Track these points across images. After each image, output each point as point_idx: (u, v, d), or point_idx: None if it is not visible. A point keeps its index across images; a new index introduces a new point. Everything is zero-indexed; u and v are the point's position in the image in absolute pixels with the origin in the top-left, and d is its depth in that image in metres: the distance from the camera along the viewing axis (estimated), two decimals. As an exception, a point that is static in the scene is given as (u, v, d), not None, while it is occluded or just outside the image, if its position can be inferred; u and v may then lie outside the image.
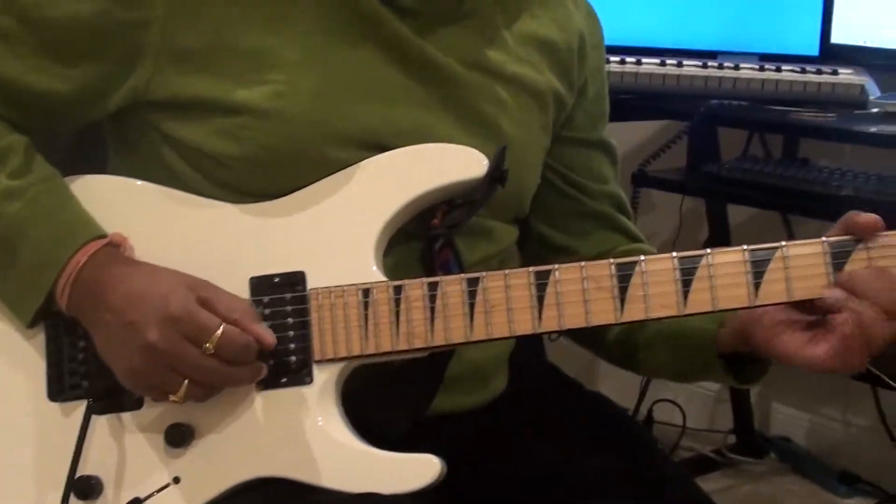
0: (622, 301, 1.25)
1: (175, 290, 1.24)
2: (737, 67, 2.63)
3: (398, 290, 1.27)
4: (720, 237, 3.01)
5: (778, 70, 2.61)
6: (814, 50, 2.71)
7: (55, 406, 1.32)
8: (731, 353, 1.37)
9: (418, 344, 1.27)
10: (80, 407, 1.30)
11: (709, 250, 1.26)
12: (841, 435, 3.17)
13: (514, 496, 1.43)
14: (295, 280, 1.29)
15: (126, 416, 1.31)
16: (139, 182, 1.35)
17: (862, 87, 2.54)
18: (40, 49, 1.30)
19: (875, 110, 2.49)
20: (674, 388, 3.31)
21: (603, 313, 1.26)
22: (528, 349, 1.55)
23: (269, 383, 1.28)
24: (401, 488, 1.25)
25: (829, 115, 2.49)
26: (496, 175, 1.33)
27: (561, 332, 1.33)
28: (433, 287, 1.27)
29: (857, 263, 1.24)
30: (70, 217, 1.31)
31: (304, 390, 1.28)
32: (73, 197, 1.32)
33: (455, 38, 1.38)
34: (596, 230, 1.55)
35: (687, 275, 1.25)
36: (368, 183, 1.31)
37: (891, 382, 2.55)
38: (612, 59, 2.55)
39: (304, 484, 1.27)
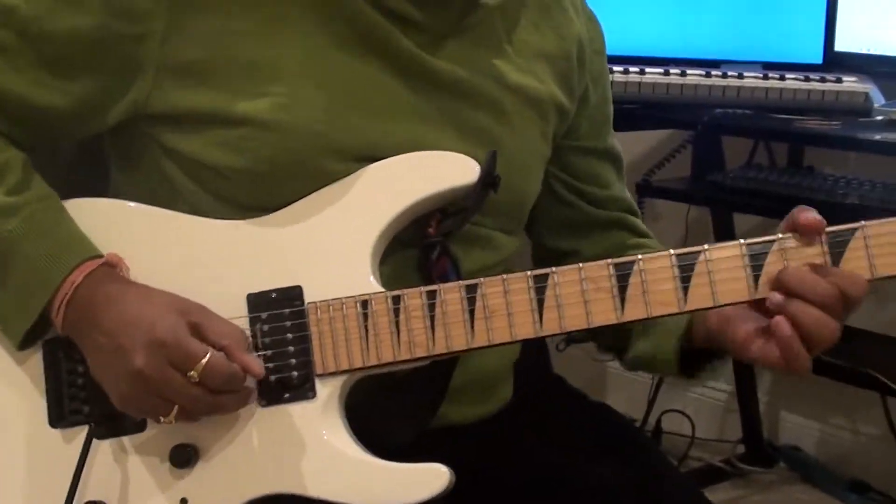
0: (622, 300, 1.26)
1: (165, 314, 1.23)
2: (741, 76, 2.63)
3: (397, 299, 1.27)
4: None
5: (782, 78, 2.61)
6: (818, 58, 2.70)
7: (56, 432, 1.31)
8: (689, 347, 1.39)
9: (420, 353, 1.27)
10: (82, 432, 1.30)
11: (706, 246, 1.26)
12: (850, 444, 3.16)
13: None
14: (292, 295, 1.29)
15: (129, 440, 1.30)
16: (131, 203, 1.35)
17: (866, 94, 2.54)
18: (39, 63, 1.30)
19: (879, 118, 2.49)
20: (682, 399, 3.31)
21: (604, 313, 1.26)
22: (533, 359, 1.55)
23: (273, 399, 1.28)
24: (410, 499, 1.25)
25: (834, 123, 2.49)
26: (488, 180, 1.33)
27: (568, 340, 1.33)
28: (432, 295, 1.27)
29: (854, 251, 1.24)
30: (66, 236, 1.30)
31: (308, 405, 1.28)
32: (69, 217, 1.32)
33: (457, 51, 1.37)
34: (601, 233, 1.56)
35: (685, 271, 1.25)
36: (361, 193, 1.31)
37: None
38: (616, 68, 2.56)
39: (313, 499, 1.26)
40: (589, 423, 1.55)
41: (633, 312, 1.26)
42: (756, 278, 1.25)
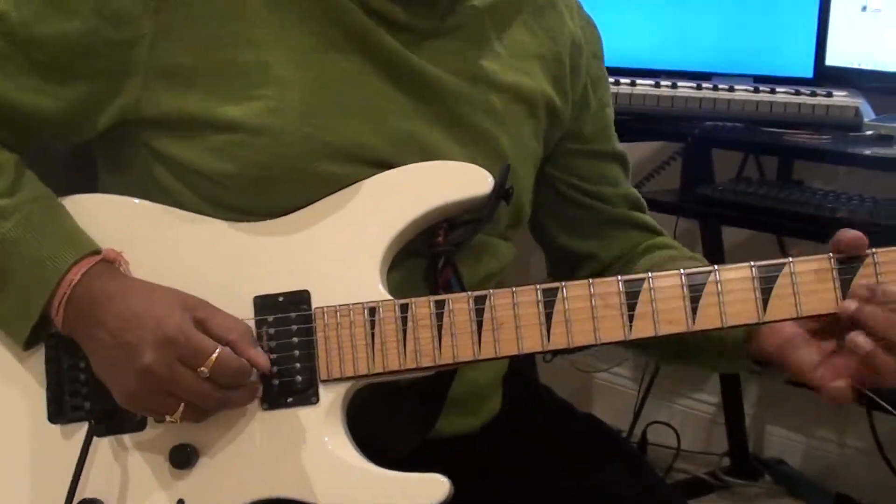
0: (631, 318, 1.26)
1: (171, 311, 1.23)
2: (731, 89, 2.63)
3: (405, 308, 1.27)
4: (715, 259, 2.96)
5: (772, 92, 2.62)
6: (808, 72, 2.71)
7: (56, 428, 1.31)
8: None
9: (426, 362, 1.26)
10: (82, 429, 1.29)
11: (716, 266, 1.26)
12: (836, 457, 3.16)
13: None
14: (300, 299, 1.29)
15: (128, 438, 1.30)
16: (137, 200, 1.34)
17: (856, 109, 2.54)
18: (29, 68, 1.30)
19: (869, 132, 2.49)
20: (668, 411, 3.31)
21: (612, 330, 1.26)
22: (520, 371, 1.55)
23: (275, 403, 1.27)
24: None
25: (824, 137, 2.50)
26: (501, 193, 1.33)
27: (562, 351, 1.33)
28: (440, 305, 1.27)
29: (864, 278, 1.25)
30: (63, 234, 1.29)
31: (311, 410, 1.27)
32: (66, 214, 1.32)
33: (446, 51, 1.38)
34: (616, 232, 1.56)
35: (695, 291, 1.26)
36: (373, 200, 1.31)
37: (886, 405, 2.54)
38: None
39: None
40: (577, 435, 1.55)
41: (641, 330, 1.26)
42: (765, 301, 1.25)
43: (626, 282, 1.26)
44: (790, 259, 1.26)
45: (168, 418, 1.23)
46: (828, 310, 1.25)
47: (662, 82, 2.66)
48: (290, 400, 1.27)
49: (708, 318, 1.26)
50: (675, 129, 2.67)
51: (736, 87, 2.64)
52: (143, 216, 1.33)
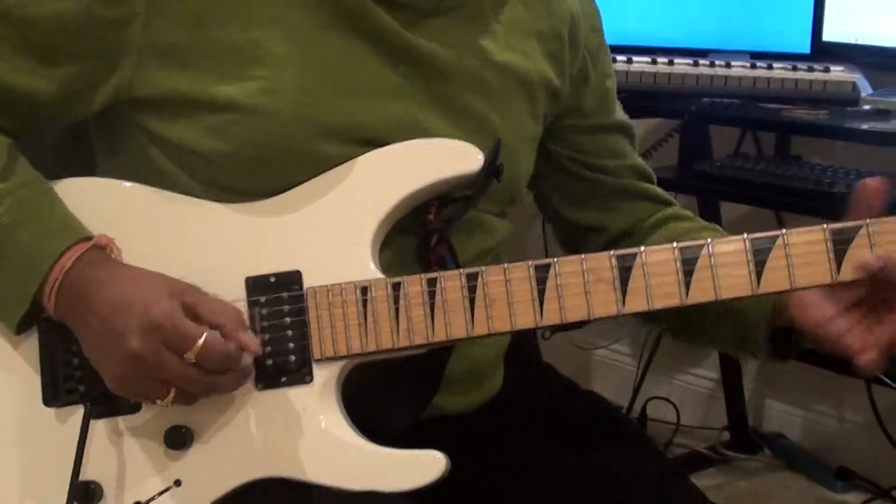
0: (623, 293, 1.26)
1: (158, 296, 1.23)
2: (728, 65, 2.63)
3: (396, 286, 1.27)
4: (713, 235, 3.01)
5: (769, 68, 2.62)
6: (805, 48, 2.71)
7: (50, 411, 1.31)
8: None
9: (419, 340, 1.27)
10: (76, 412, 1.30)
11: (709, 240, 1.26)
12: (835, 431, 3.17)
13: (511, 496, 1.44)
14: (291, 279, 1.29)
15: (123, 420, 1.30)
16: (128, 183, 1.34)
17: (853, 84, 2.54)
18: (23, 48, 1.30)
19: (867, 107, 2.49)
20: (668, 386, 3.32)
21: (605, 305, 1.26)
22: (522, 348, 1.55)
23: (270, 383, 1.28)
24: (405, 485, 1.25)
25: (821, 112, 2.50)
26: (492, 169, 1.33)
27: (555, 328, 1.33)
28: (432, 283, 1.27)
29: (858, 249, 1.24)
30: (54, 220, 1.30)
31: (305, 389, 1.28)
32: (58, 199, 1.32)
33: (443, 30, 1.37)
34: (623, 204, 1.56)
35: (688, 265, 1.25)
36: (363, 179, 1.31)
37: (885, 378, 2.56)
38: None
39: (307, 483, 1.27)
40: (578, 412, 1.55)
41: (634, 305, 1.26)
42: (759, 273, 1.25)
43: (618, 256, 1.26)
44: (784, 231, 1.25)
45: (159, 402, 1.23)
46: (823, 281, 1.25)
47: (659, 59, 2.65)
48: (284, 380, 1.28)
49: (701, 292, 1.25)
50: (672, 106, 2.67)
51: (733, 63, 2.64)
52: (134, 199, 1.33)
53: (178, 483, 1.28)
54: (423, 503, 1.27)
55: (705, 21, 2.82)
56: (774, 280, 1.25)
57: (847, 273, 1.25)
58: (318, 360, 1.28)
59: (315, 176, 1.31)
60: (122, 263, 1.29)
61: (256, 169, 1.31)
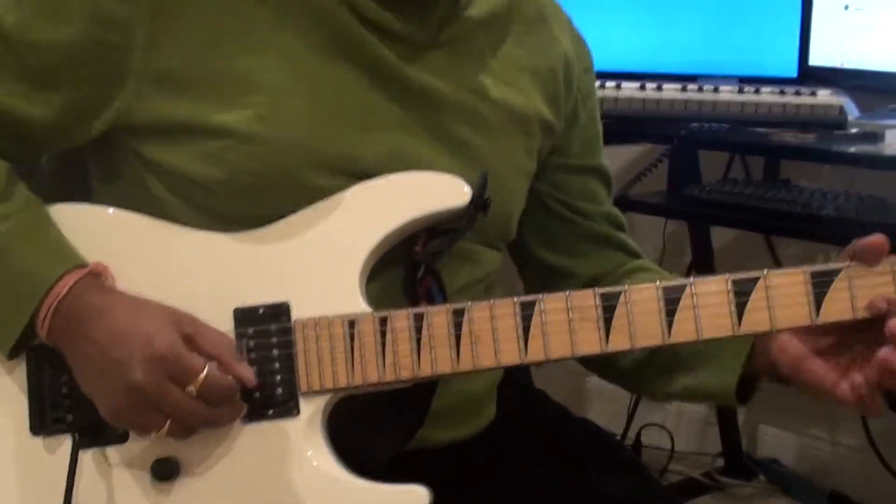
0: (607, 331, 1.27)
1: (160, 328, 1.23)
2: (716, 90, 2.65)
3: (384, 321, 1.27)
4: (704, 260, 3.02)
5: (757, 92, 2.63)
6: (792, 71, 2.72)
7: (38, 440, 1.30)
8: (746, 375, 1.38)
9: (405, 375, 1.27)
10: (64, 441, 1.29)
11: (692, 279, 1.27)
12: (829, 455, 3.17)
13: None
14: (279, 311, 1.29)
15: (111, 450, 1.30)
16: (120, 211, 1.34)
17: (840, 107, 2.56)
18: (22, 74, 1.30)
19: (854, 130, 2.50)
20: (662, 412, 3.32)
21: (588, 343, 1.27)
22: (515, 377, 1.55)
23: (256, 416, 1.28)
24: None
25: (809, 135, 2.51)
26: (479, 203, 1.33)
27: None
28: (419, 318, 1.27)
29: (838, 292, 1.25)
30: (51, 246, 1.30)
31: (291, 422, 1.28)
32: (53, 225, 1.31)
33: (440, 64, 1.38)
34: (596, 251, 1.56)
35: (671, 304, 1.26)
36: (352, 212, 1.31)
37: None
38: None
39: None
40: (573, 439, 1.55)
41: (618, 343, 1.27)
42: (740, 315, 1.26)
43: (602, 295, 1.27)
44: (765, 272, 1.26)
45: (153, 434, 1.23)
46: (802, 323, 1.26)
47: (648, 85, 2.67)
48: (270, 412, 1.28)
49: (683, 332, 1.26)
50: (661, 132, 2.68)
51: (721, 87, 2.66)
52: (125, 227, 1.33)
53: None
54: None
55: (693, 46, 2.83)
56: (756, 321, 1.26)
57: (826, 315, 1.26)
58: (304, 394, 1.28)
59: (306, 206, 1.31)
60: (118, 291, 1.29)
61: (251, 196, 1.31)
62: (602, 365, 1.53)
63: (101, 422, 1.27)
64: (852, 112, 2.56)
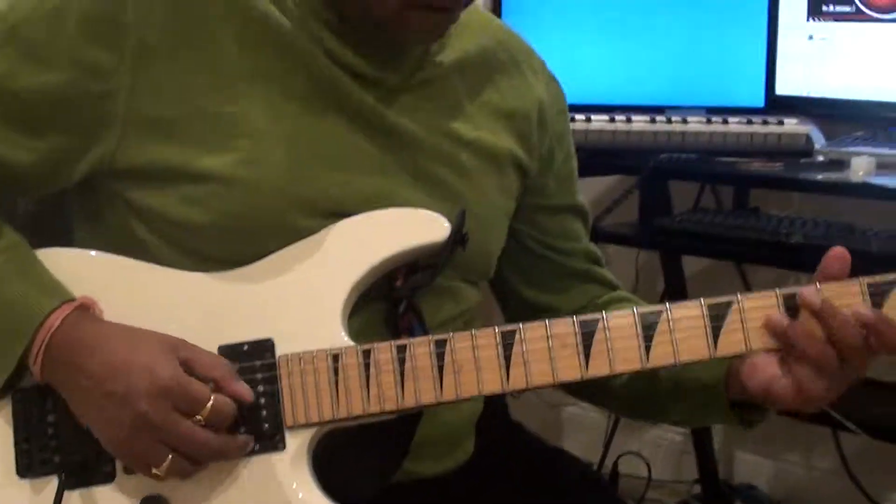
0: (587, 357, 1.28)
1: (159, 357, 1.24)
2: (685, 121, 2.66)
3: (367, 353, 1.28)
4: (676, 289, 3.02)
5: (725, 122, 2.65)
6: (759, 101, 2.75)
7: (25, 482, 1.31)
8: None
9: (389, 406, 1.28)
10: (51, 482, 1.29)
11: (667, 305, 1.29)
12: (804, 479, 3.18)
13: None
14: (264, 347, 1.30)
15: (98, 490, 1.30)
16: (102, 254, 1.35)
17: (807, 136, 2.58)
18: (6, 120, 1.31)
19: (820, 158, 2.52)
20: (638, 441, 3.32)
21: (569, 370, 1.29)
22: (493, 411, 1.56)
23: None
24: None
25: (777, 164, 2.53)
26: (458, 238, 1.35)
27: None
28: (402, 350, 1.28)
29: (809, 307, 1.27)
30: (40, 282, 1.30)
31: (277, 456, 1.28)
32: (41, 264, 1.32)
33: (415, 106, 1.40)
34: (576, 285, 1.58)
35: (648, 329, 1.28)
36: (333, 249, 1.33)
37: (850, 425, 2.58)
38: None
39: None
40: (549, 471, 1.57)
41: (597, 368, 1.29)
42: (716, 338, 1.28)
43: (581, 322, 1.29)
44: (738, 296, 1.29)
45: (154, 471, 1.23)
46: (774, 345, 1.29)
47: (617, 117, 2.68)
48: (256, 447, 1.28)
49: (661, 356, 1.29)
50: (631, 163, 2.69)
51: (689, 118, 2.67)
52: (107, 269, 1.34)
53: None
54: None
55: (661, 78, 2.85)
56: (731, 343, 1.29)
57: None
58: (290, 428, 1.29)
59: (287, 245, 1.33)
60: (110, 322, 1.30)
61: (234, 238, 1.32)
62: (592, 393, 1.55)
63: (88, 461, 1.28)
64: (819, 140, 2.58)
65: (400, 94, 1.40)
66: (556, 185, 1.57)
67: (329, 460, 1.31)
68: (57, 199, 1.45)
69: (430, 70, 1.42)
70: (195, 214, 1.32)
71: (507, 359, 1.28)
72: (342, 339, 1.30)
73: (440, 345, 1.29)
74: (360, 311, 1.34)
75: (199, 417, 1.22)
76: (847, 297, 1.27)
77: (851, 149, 2.47)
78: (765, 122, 2.62)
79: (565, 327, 1.29)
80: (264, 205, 1.32)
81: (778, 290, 1.29)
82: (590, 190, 3.09)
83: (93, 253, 1.36)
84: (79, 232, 1.44)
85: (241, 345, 1.30)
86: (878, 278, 1.28)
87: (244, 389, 1.27)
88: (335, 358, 1.29)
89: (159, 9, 1.30)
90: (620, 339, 1.28)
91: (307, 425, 1.29)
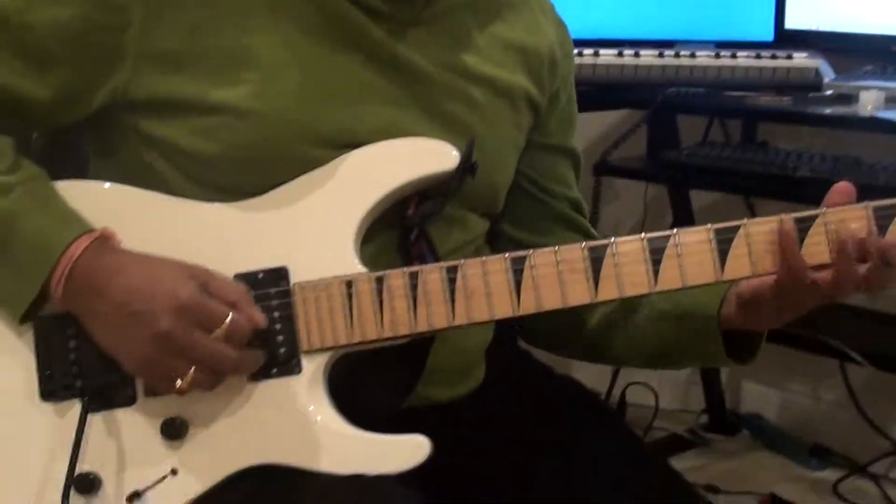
0: (596, 282, 1.31)
1: (178, 279, 1.27)
2: (693, 55, 2.67)
3: (380, 280, 1.31)
4: (684, 222, 2.97)
5: (734, 56, 2.65)
6: (769, 35, 2.75)
7: (48, 406, 1.34)
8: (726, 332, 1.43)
9: (403, 331, 1.31)
10: (74, 406, 1.33)
11: (675, 230, 1.31)
12: (811, 410, 3.21)
13: (492, 481, 1.48)
14: (279, 275, 1.32)
15: (120, 413, 1.33)
16: (117, 185, 1.37)
17: (816, 70, 2.59)
18: (21, 53, 1.33)
19: (829, 92, 2.53)
20: (646, 371, 3.34)
21: (578, 294, 1.31)
22: (502, 339, 1.58)
23: (260, 375, 1.31)
24: (391, 469, 1.29)
25: (785, 98, 2.54)
26: (467, 167, 1.37)
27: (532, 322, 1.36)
28: (414, 276, 1.31)
29: (816, 237, 1.29)
30: (60, 213, 1.33)
31: (294, 380, 1.31)
32: (59, 196, 1.35)
33: (427, 40, 1.42)
34: (559, 230, 1.60)
35: (656, 254, 1.30)
36: (345, 179, 1.35)
37: (857, 357, 2.60)
38: None
39: (297, 469, 1.30)
40: (555, 398, 1.59)
41: (607, 293, 1.31)
42: (723, 262, 1.30)
43: (590, 248, 1.31)
44: (745, 221, 1.30)
45: (179, 382, 1.26)
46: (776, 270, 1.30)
47: (625, 52, 2.69)
48: (274, 371, 1.31)
49: (669, 279, 1.31)
50: (639, 97, 2.70)
51: (698, 53, 2.68)
52: (123, 200, 1.37)
53: (174, 472, 1.31)
54: (408, 487, 1.31)
55: (670, 13, 2.86)
56: (737, 267, 1.31)
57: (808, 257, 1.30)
58: (306, 352, 1.32)
59: (300, 175, 1.35)
60: (129, 251, 1.32)
61: (246, 169, 1.35)
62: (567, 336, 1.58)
63: (109, 385, 1.32)
64: (828, 74, 2.58)
65: (411, 28, 1.41)
66: (556, 126, 1.59)
67: (344, 384, 1.34)
68: (68, 135, 1.47)
69: (441, 4, 1.43)
70: (207, 145, 1.34)
71: (518, 284, 1.31)
72: (355, 266, 1.32)
73: (451, 271, 1.31)
74: (372, 238, 1.37)
75: (218, 333, 1.25)
76: (853, 221, 1.29)
77: (860, 83, 2.48)
78: (774, 57, 2.63)
79: (575, 253, 1.31)
80: (275, 136, 1.34)
81: (784, 216, 1.30)
82: (598, 124, 3.12)
83: (107, 185, 1.38)
84: (93, 166, 1.47)
85: (257, 273, 1.33)
86: (886, 202, 1.30)
87: (259, 315, 1.29)
88: (349, 284, 1.31)
89: None
90: (629, 263, 1.30)
91: (322, 349, 1.32)
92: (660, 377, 3.33)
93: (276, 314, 1.32)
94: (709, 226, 1.31)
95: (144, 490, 1.31)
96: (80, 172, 1.46)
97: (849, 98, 2.45)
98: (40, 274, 1.29)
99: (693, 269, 1.31)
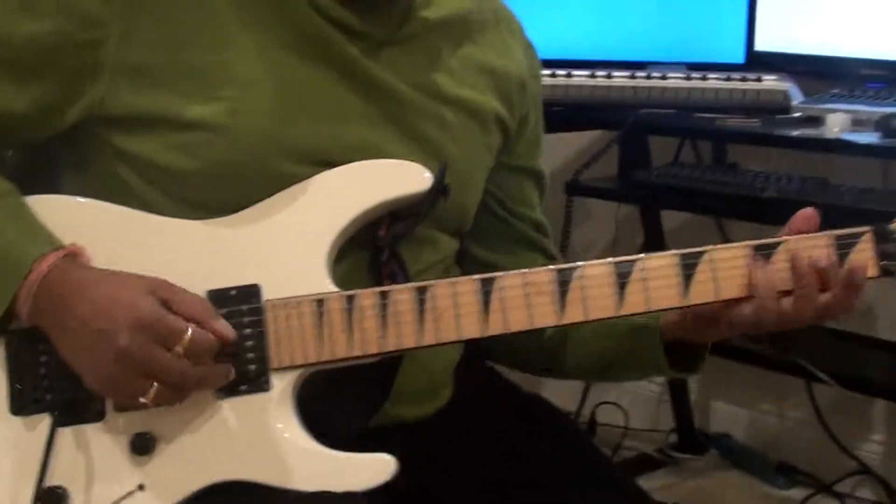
0: (562, 305, 1.32)
1: (140, 294, 1.26)
2: (664, 77, 2.68)
3: (351, 299, 1.32)
4: (655, 242, 3.05)
5: (704, 78, 2.67)
6: (739, 58, 2.77)
7: (18, 420, 1.33)
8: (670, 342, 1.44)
9: (372, 350, 1.32)
10: (43, 420, 1.32)
11: (643, 255, 1.33)
12: (778, 429, 3.23)
13: (460, 500, 1.49)
14: (251, 293, 1.33)
15: (90, 428, 1.33)
16: (91, 200, 1.37)
17: (785, 92, 2.60)
18: None
19: (798, 114, 2.54)
20: (616, 391, 3.36)
21: (545, 316, 1.33)
22: (471, 358, 1.59)
23: (230, 391, 1.32)
24: (357, 486, 1.30)
25: (755, 120, 2.56)
26: (440, 189, 1.38)
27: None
28: (384, 296, 1.32)
29: (779, 264, 1.33)
30: (30, 228, 1.33)
31: (263, 397, 1.32)
32: (30, 210, 1.34)
33: (401, 60, 1.43)
34: (521, 251, 1.61)
35: (623, 278, 1.32)
36: (319, 197, 1.36)
37: (823, 376, 2.62)
38: (544, 72, 2.56)
39: (264, 485, 1.31)
40: (523, 417, 1.60)
41: (573, 315, 1.33)
42: (687, 287, 1.33)
43: (558, 271, 1.33)
44: (708, 248, 1.33)
45: (142, 399, 1.25)
46: (743, 294, 1.33)
47: (598, 73, 2.69)
48: (243, 388, 1.31)
49: (634, 304, 1.33)
50: (611, 118, 2.71)
51: (669, 74, 2.69)
52: (96, 216, 1.36)
53: (141, 487, 1.32)
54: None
55: (642, 34, 2.87)
56: (701, 293, 1.33)
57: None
58: (275, 370, 1.32)
59: (274, 193, 1.36)
60: (96, 268, 1.32)
61: (222, 185, 1.35)
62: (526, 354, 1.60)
63: (79, 400, 1.31)
64: (797, 97, 2.60)
65: (385, 47, 1.42)
66: (524, 148, 1.60)
67: (313, 401, 1.35)
68: (44, 149, 1.46)
69: (416, 25, 1.45)
70: (182, 161, 1.35)
71: (487, 305, 1.32)
72: (327, 285, 1.33)
73: (421, 291, 1.32)
74: (344, 257, 1.37)
75: (178, 349, 1.24)
76: (815, 249, 1.32)
77: (827, 105, 2.50)
78: (744, 79, 2.64)
79: (543, 276, 1.33)
80: (251, 153, 1.34)
81: (749, 242, 1.33)
82: (570, 144, 3.14)
83: (81, 199, 1.38)
84: (67, 181, 1.46)
85: (229, 290, 1.33)
86: (847, 231, 1.33)
87: (224, 326, 1.29)
88: (320, 303, 1.32)
89: None
90: (595, 287, 1.32)
91: (292, 367, 1.32)
92: (630, 397, 3.35)
93: (247, 331, 1.32)
94: (674, 251, 1.33)
95: None
96: (54, 187, 1.45)
97: (816, 120, 2.47)
98: (8, 290, 1.29)
99: (658, 294, 1.33)
